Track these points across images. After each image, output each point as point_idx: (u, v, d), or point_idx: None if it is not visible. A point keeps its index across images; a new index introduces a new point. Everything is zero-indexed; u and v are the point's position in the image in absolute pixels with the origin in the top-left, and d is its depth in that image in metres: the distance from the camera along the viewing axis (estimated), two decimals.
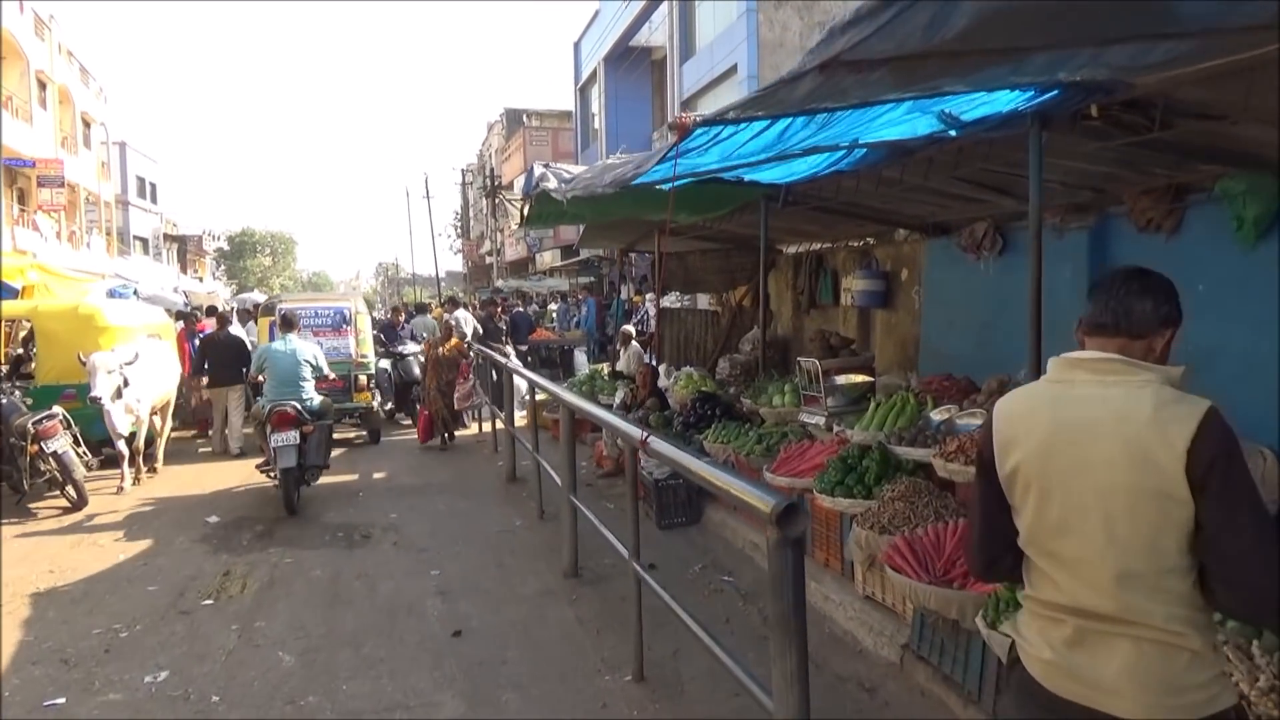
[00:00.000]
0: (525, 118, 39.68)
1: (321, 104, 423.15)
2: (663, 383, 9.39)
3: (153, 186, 49.25)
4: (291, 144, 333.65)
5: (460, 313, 17.20)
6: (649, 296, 21.84)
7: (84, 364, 7.82)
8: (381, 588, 5.58)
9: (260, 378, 7.95)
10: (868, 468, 4.82)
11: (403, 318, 14.22)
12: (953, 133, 4.31)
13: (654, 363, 12.30)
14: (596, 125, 31.62)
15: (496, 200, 45.10)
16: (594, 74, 29.30)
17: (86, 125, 34.06)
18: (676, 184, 5.20)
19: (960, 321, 6.92)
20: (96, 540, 6.75)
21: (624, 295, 23.76)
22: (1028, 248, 4.39)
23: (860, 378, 6.13)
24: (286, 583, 5.69)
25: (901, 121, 4.25)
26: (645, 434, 3.57)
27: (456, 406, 10.68)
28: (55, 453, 7.37)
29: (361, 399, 10.87)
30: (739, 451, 6.09)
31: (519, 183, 38.85)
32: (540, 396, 7.81)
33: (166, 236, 50.94)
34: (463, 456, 10.29)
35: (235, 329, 13.17)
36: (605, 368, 12.75)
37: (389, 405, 12.36)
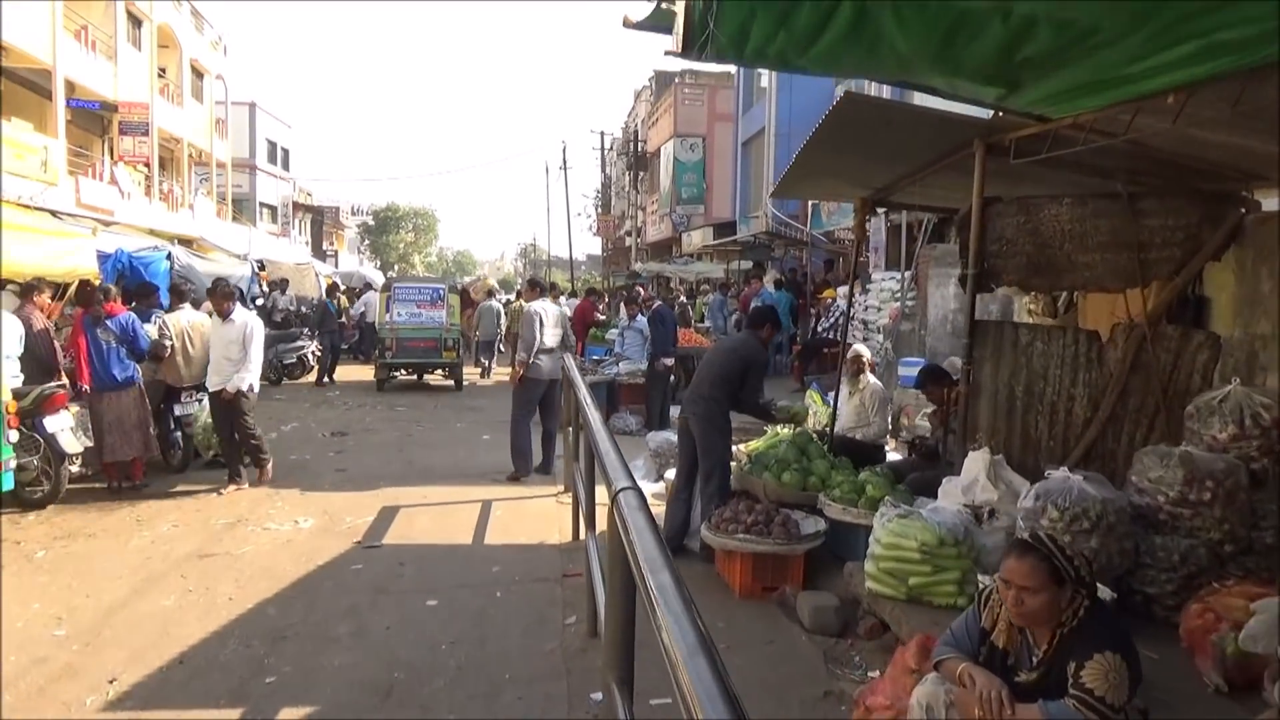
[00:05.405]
0: (677, 77, 34.07)
1: (468, 81, 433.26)
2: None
3: (285, 152, 46.66)
4: (437, 121, 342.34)
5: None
6: (842, 291, 15.61)
7: None
8: None
9: None
10: None
11: None
12: None
13: (936, 438, 6.22)
14: (764, 83, 26.45)
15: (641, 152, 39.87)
16: None
17: (199, 76, 30.91)
18: None
19: None
20: None
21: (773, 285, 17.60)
22: None
23: None
24: None
25: None
26: None
27: None
28: None
29: (448, 356, 14.23)
30: None
31: (666, 150, 33.24)
32: None
33: (298, 206, 48.31)
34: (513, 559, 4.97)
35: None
36: (812, 422, 6.94)
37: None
